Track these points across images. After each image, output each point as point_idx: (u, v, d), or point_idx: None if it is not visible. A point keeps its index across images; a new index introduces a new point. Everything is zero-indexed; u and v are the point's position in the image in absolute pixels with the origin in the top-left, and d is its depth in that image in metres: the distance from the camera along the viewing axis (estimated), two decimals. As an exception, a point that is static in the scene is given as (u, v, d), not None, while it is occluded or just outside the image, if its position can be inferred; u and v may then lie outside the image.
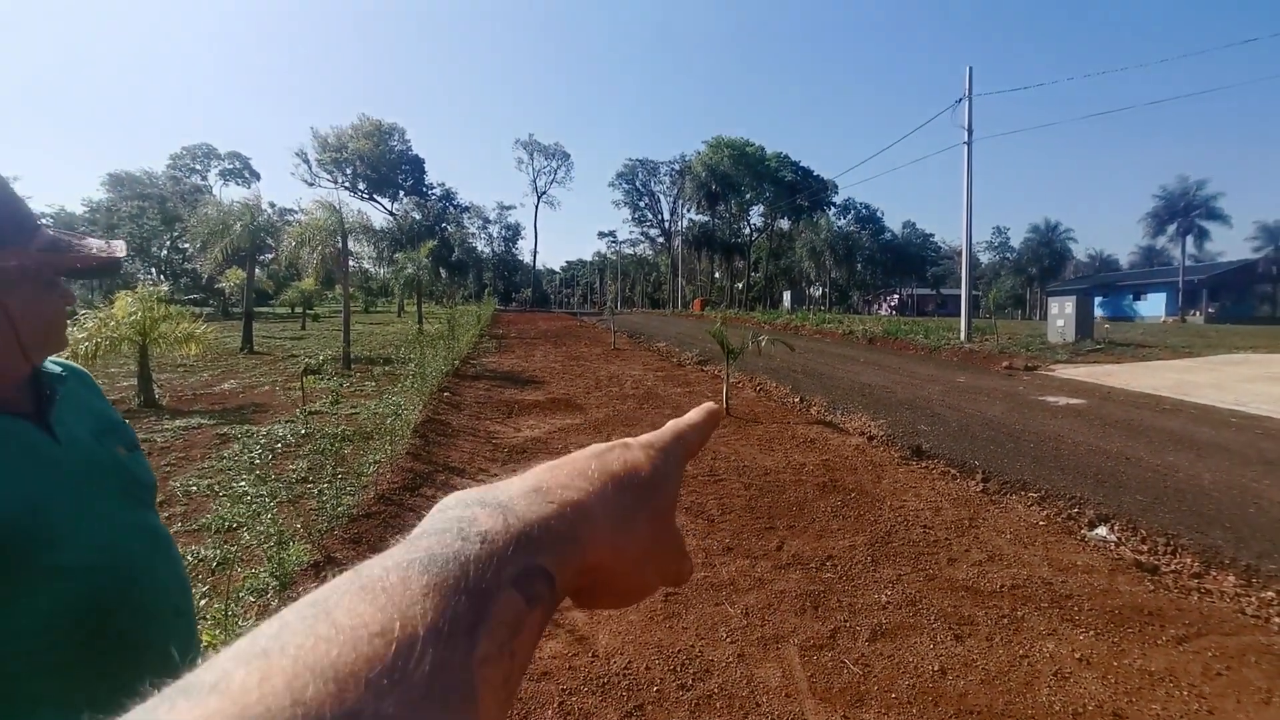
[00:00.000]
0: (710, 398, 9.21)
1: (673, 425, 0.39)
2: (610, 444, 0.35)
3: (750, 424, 7.60)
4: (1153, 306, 50.38)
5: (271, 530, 3.35)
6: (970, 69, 18.64)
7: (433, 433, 6.88)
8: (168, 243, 44.55)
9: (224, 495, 4.81)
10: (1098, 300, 41.78)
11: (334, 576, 0.23)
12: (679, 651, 2.91)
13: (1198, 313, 47.15)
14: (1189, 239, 53.79)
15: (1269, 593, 3.60)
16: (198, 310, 14.27)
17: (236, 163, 67.72)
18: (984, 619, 3.20)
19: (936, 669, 2.78)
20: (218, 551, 3.77)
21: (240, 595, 3.17)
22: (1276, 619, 3.30)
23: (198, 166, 65.58)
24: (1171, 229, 55.15)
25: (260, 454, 5.99)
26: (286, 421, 7.45)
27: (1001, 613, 3.27)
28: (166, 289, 12.92)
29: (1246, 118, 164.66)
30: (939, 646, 2.96)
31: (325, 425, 7.15)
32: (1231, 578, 3.81)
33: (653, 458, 0.35)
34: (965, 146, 18.82)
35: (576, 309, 67.76)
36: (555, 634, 3.03)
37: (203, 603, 2.91)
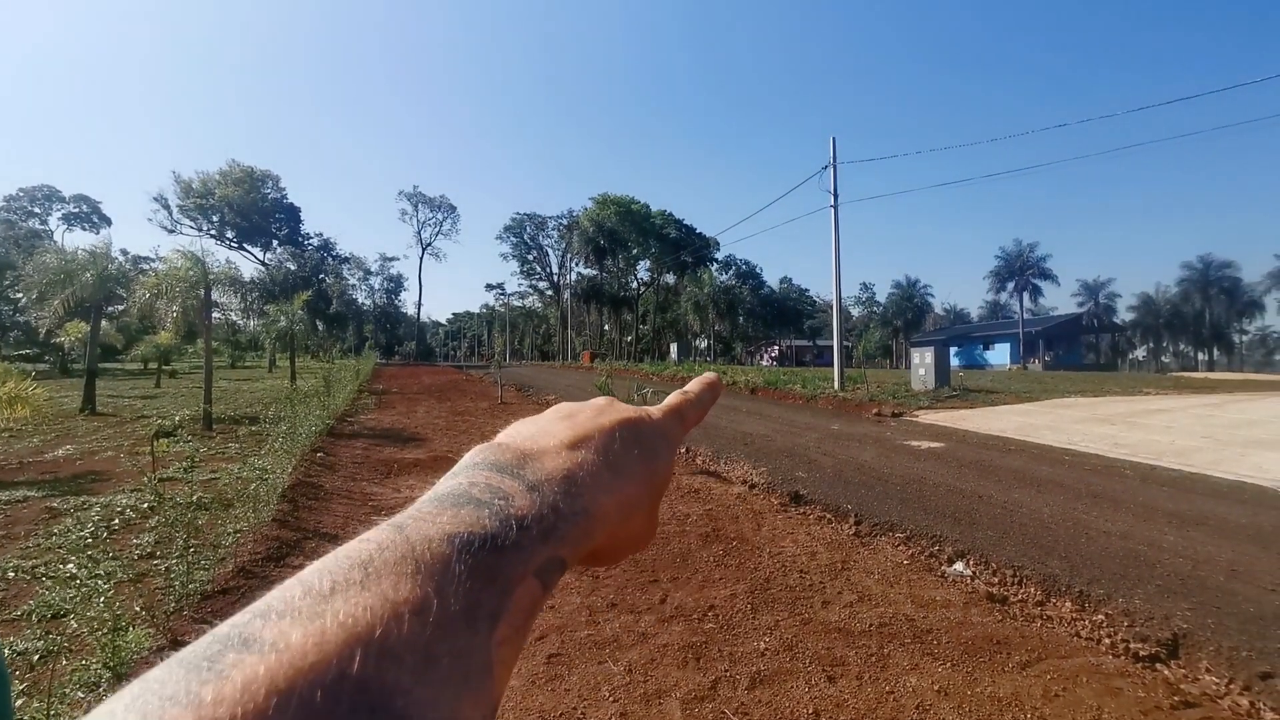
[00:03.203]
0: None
1: (677, 396, 0.41)
2: (636, 413, 0.37)
3: (637, 476, 7.64)
4: (999, 355, 55.70)
5: (105, 615, 3.00)
6: (834, 139, 20.21)
7: (303, 497, 6.46)
8: (-4, 293, 39.91)
9: (50, 578, 4.28)
10: (953, 350, 45.74)
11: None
12: (560, 715, 2.85)
13: (1037, 360, 52.55)
14: (1025, 295, 60.70)
15: (1099, 616, 3.99)
16: (29, 368, 12.75)
17: (84, 206, 62.07)
18: (854, 659, 3.35)
19: (811, 712, 2.88)
20: (40, 643, 3.34)
21: (66, 692, 2.81)
22: (1106, 640, 3.66)
23: (36, 210, 59.60)
24: (1010, 286, 62.23)
25: (95, 528, 5.39)
26: (132, 490, 6.75)
27: (870, 652, 3.43)
28: (-9, 345, 11.52)
29: (1065, 188, 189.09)
30: (814, 690, 3.06)
31: (178, 493, 6.55)
32: (1068, 604, 4.19)
33: (673, 453, 0.37)
34: (832, 209, 20.30)
35: (463, 362, 66.09)
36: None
37: (19, 702, 2.56)
